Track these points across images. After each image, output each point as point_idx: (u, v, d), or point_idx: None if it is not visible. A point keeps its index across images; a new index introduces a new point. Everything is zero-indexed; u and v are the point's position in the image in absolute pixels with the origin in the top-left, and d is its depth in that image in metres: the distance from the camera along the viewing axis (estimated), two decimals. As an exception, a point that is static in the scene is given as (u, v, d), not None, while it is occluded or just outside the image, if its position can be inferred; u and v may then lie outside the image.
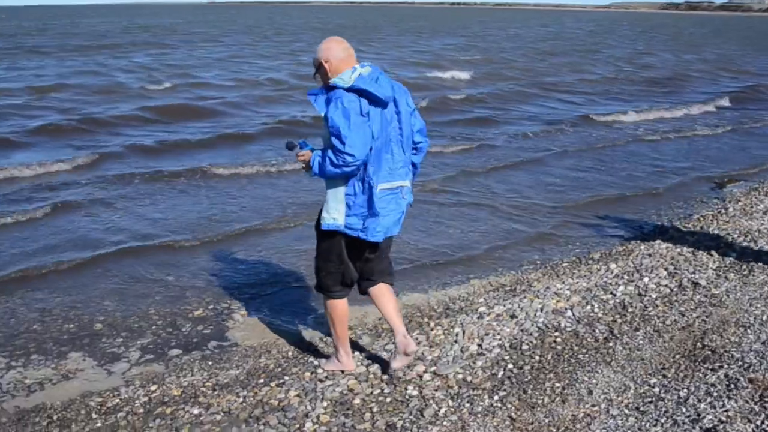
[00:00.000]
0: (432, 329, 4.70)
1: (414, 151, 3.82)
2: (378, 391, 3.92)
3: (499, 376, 4.00)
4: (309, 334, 4.78)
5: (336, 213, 3.62)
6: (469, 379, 3.99)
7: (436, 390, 3.88)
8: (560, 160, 10.44)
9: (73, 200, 7.80)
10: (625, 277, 5.46)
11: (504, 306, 5.00)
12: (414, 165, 3.87)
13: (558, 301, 5.00)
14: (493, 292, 5.44)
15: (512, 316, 4.80)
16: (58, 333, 4.79)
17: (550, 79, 20.34)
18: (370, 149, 3.46)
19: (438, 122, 13.27)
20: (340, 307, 3.96)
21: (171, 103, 14.56)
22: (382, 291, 3.97)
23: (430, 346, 4.42)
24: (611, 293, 5.13)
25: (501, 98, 16.78)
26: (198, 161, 9.78)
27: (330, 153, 3.44)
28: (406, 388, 3.92)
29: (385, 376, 4.06)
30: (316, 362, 4.31)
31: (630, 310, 4.83)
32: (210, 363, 4.41)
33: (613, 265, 5.75)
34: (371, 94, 3.44)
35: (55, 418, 3.78)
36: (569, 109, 15.71)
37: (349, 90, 3.45)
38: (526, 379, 3.94)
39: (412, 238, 6.72)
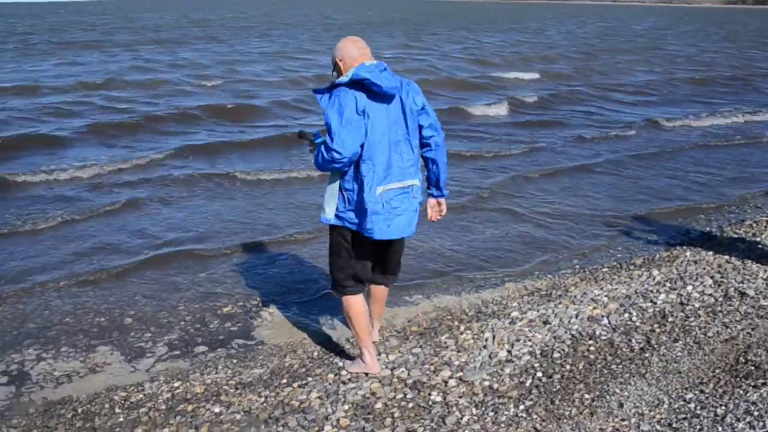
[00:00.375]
0: (461, 333, 4.59)
1: (428, 148, 3.79)
2: (401, 395, 3.82)
3: (527, 384, 3.86)
4: (336, 335, 4.72)
5: (328, 207, 3.71)
6: (495, 386, 3.86)
7: (460, 397, 3.76)
8: (620, 164, 9.96)
9: (125, 200, 7.91)
10: (668, 284, 5.23)
11: (537, 311, 4.85)
12: (435, 162, 3.82)
13: (594, 308, 4.82)
14: (527, 296, 5.29)
15: (545, 322, 4.65)
16: (89, 326, 4.84)
17: (611, 81, 19.62)
18: (362, 147, 3.49)
19: (504, 123, 13.07)
20: (355, 304, 3.94)
21: (221, 103, 14.28)
22: (376, 292, 4.18)
23: (458, 351, 4.31)
24: (651, 301, 4.92)
25: (563, 99, 16.16)
26: (246, 164, 9.76)
27: (323, 147, 3.52)
28: (429, 394, 3.81)
29: (409, 381, 3.97)
30: (341, 363, 4.25)
31: (670, 319, 4.62)
32: (235, 361, 4.39)
33: (655, 272, 5.52)
34: (371, 84, 3.44)
35: (79, 411, 3.81)
36: (632, 111, 14.91)
37: (350, 83, 3.49)
38: (554, 389, 3.79)
39: (450, 240, 6.61)
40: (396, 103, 3.60)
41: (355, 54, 3.58)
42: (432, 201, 3.97)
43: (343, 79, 3.51)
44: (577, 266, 6.04)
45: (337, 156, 3.44)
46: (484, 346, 4.36)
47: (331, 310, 5.08)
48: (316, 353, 4.45)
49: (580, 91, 17.44)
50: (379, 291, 4.18)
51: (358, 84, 3.48)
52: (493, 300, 5.26)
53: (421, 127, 3.72)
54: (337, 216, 3.72)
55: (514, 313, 4.85)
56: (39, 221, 6.99)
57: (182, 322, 4.93)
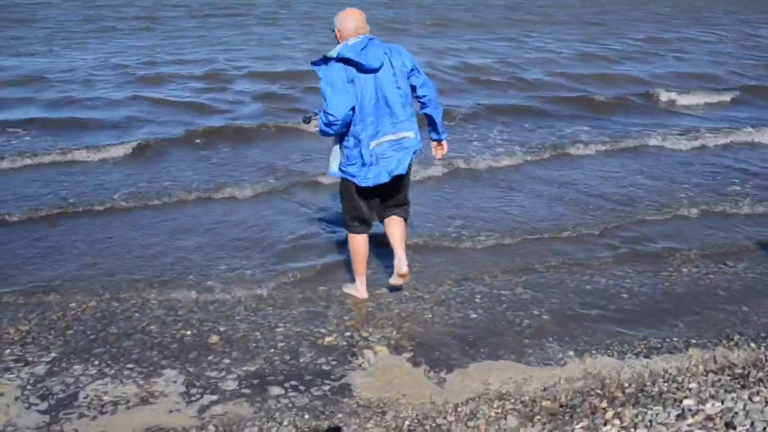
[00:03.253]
0: (605, 424, 3.24)
1: (423, 104, 4.33)
2: None
3: None
4: (442, 399, 3.61)
5: (332, 163, 4.36)
6: None
7: None
8: None
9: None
10: None
11: (722, 403, 3.32)
12: (429, 115, 4.37)
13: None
14: (713, 374, 3.73)
15: (728, 425, 3.12)
16: (169, 340, 4.21)
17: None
18: (353, 109, 4.00)
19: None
20: (357, 241, 4.52)
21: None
22: (392, 221, 4.52)
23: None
24: None
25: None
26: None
27: (321, 113, 4.02)
28: None
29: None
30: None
31: None
32: (306, 417, 3.47)
33: None
34: (353, 62, 3.97)
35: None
36: None
37: (338, 59, 4.00)
38: None
39: (634, 279, 5.13)
40: (386, 68, 4.08)
41: (350, 26, 4.13)
42: (434, 143, 4.60)
43: (332, 54, 4.02)
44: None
45: (332, 118, 3.96)
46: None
47: (447, 364, 3.97)
48: (407, 423, 3.38)
49: None
50: (393, 221, 4.52)
51: (343, 59, 3.98)
52: (666, 373, 3.79)
53: (414, 87, 4.22)
54: (340, 170, 4.31)
55: (688, 402, 3.37)
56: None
57: (271, 350, 4.12)
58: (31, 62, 13.66)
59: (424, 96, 4.26)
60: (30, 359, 3.98)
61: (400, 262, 4.44)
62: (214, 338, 4.25)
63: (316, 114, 4.10)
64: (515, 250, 5.67)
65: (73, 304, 4.65)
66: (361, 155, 4.11)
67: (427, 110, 4.34)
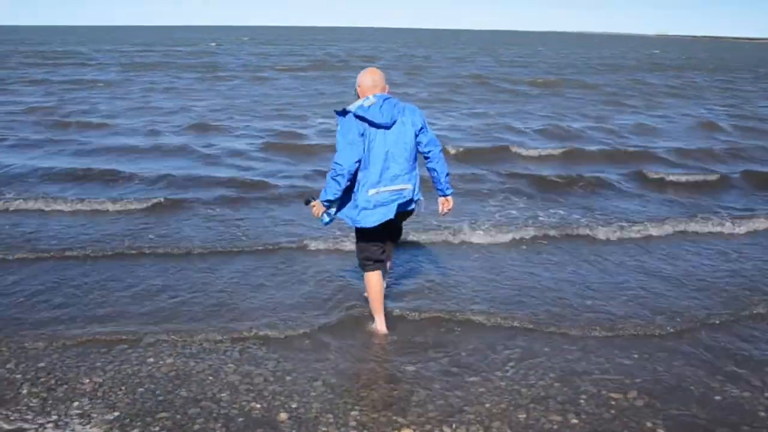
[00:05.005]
0: None
1: (428, 159, 4.72)
2: None
3: None
4: None
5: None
6: None
7: None
8: None
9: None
10: None
11: None
12: (435, 170, 4.74)
13: None
14: None
15: None
16: (237, 412, 3.93)
17: None
18: (359, 162, 4.43)
19: None
20: (371, 279, 4.86)
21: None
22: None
23: None
24: None
25: None
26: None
27: (330, 173, 4.48)
28: None
29: None
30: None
31: None
32: None
33: None
34: (368, 120, 4.43)
35: None
36: None
37: (355, 114, 4.44)
38: None
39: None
40: (398, 125, 4.52)
41: (368, 83, 4.60)
42: (441, 199, 4.90)
43: (351, 108, 4.48)
44: None
45: (338, 168, 4.40)
46: None
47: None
48: None
49: None
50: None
51: (358, 116, 4.45)
52: None
53: (420, 144, 4.64)
54: (336, 215, 4.71)
55: None
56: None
57: (342, 436, 3.74)
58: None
59: (429, 152, 4.66)
60: (94, 416, 3.84)
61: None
62: (283, 416, 3.92)
63: (315, 199, 4.64)
64: (633, 344, 4.99)
65: (151, 359, 4.52)
66: (358, 199, 4.52)
67: (431, 164, 4.73)
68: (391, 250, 5.09)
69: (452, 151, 11.84)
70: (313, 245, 6.85)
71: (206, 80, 25.33)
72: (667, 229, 7.86)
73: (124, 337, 4.80)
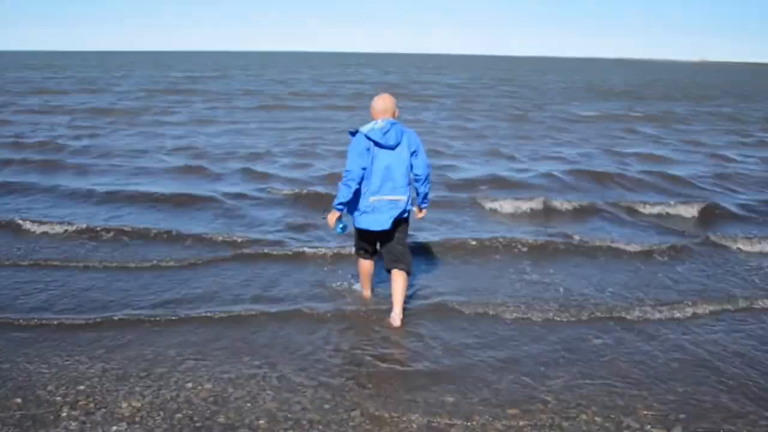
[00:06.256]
0: None
1: (415, 179, 5.52)
2: None
3: None
4: None
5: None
6: None
7: None
8: None
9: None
10: None
11: None
12: (417, 189, 5.57)
13: None
14: None
15: None
16: (274, 441, 3.86)
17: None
18: (364, 169, 5.26)
19: None
20: (362, 264, 5.87)
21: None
22: (395, 274, 5.57)
23: None
24: None
25: None
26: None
27: (341, 182, 5.32)
28: None
29: None
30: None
31: None
32: None
33: None
34: (374, 141, 5.27)
35: None
36: None
37: (366, 135, 5.28)
38: None
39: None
40: (401, 147, 5.35)
41: (380, 108, 5.41)
42: (415, 209, 5.71)
43: (363, 129, 5.32)
44: None
45: (348, 174, 5.23)
46: None
47: None
48: None
49: None
50: (396, 274, 5.57)
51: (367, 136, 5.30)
52: None
53: (411, 165, 5.43)
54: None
55: None
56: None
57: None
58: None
59: (418, 174, 5.47)
60: (130, 443, 3.80)
61: (396, 317, 5.53)
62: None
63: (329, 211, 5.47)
64: (687, 375, 4.78)
65: (190, 384, 4.49)
66: (360, 204, 5.35)
67: (416, 184, 5.55)
68: (402, 253, 5.57)
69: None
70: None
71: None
72: None
73: (163, 361, 4.78)
